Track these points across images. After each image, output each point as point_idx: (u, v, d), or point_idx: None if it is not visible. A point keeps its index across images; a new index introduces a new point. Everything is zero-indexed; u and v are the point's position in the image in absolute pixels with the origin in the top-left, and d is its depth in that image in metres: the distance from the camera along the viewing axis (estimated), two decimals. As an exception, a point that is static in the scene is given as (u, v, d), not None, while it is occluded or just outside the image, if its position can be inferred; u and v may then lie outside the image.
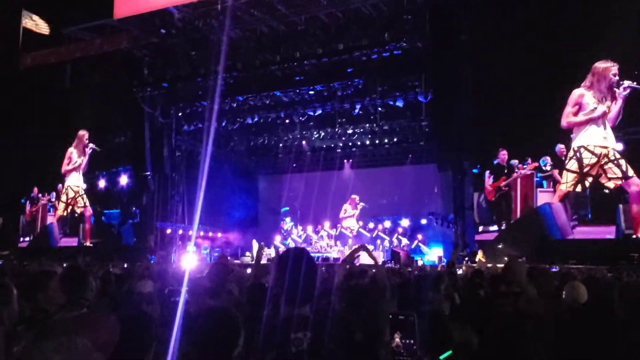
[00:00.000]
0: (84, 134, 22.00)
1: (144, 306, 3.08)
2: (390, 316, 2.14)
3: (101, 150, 21.65)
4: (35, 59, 22.48)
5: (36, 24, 22.67)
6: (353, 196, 20.90)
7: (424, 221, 20.14)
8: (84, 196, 22.30)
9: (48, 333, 1.69)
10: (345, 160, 22.48)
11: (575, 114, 14.35)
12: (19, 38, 22.45)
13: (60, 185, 23.07)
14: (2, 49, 22.79)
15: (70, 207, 22.62)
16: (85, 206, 22.29)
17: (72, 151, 22.42)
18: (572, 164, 14.48)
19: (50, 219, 23.65)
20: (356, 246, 5.15)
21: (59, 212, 23.14)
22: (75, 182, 22.43)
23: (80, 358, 1.62)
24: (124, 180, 22.37)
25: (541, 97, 14.24)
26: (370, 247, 17.95)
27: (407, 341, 2.07)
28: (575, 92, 14.33)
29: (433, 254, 18.40)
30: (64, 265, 9.81)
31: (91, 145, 21.76)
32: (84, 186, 22.45)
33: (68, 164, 22.52)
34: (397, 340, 2.06)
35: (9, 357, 1.87)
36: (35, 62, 22.42)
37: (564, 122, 14.49)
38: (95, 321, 1.77)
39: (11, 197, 23.34)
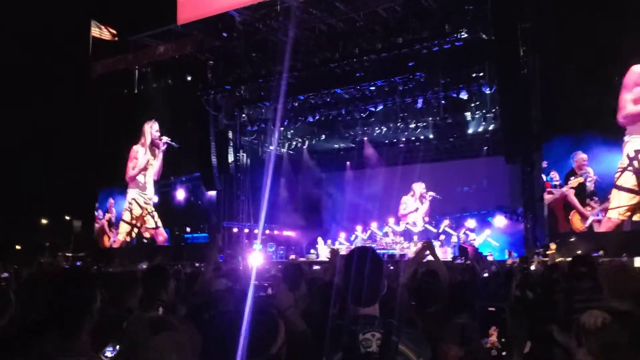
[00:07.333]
0: (151, 125, 19.68)
1: (224, 305, 3.12)
2: (481, 309, 2.02)
3: (179, 147, 19.30)
4: (105, 67, 23.36)
5: (103, 32, 23.42)
6: (415, 185, 20.49)
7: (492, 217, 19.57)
8: (155, 214, 19.19)
9: (159, 328, 1.78)
10: (409, 156, 22.10)
11: (637, 101, 12.15)
12: (89, 48, 23.38)
13: (112, 200, 19.92)
14: (74, 59, 23.84)
15: (136, 229, 18.94)
16: (156, 227, 18.91)
17: (137, 150, 19.98)
18: (627, 179, 12.32)
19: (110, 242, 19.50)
20: (420, 244, 5.03)
21: (121, 237, 19.21)
22: (141, 193, 19.39)
23: (187, 353, 1.70)
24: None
25: (609, 81, 13.52)
26: (437, 244, 17.68)
27: (501, 335, 1.95)
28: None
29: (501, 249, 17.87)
30: (144, 265, 10.14)
31: (165, 139, 19.60)
32: (155, 199, 19.48)
33: (133, 168, 19.92)
34: (493, 334, 1.96)
35: (94, 347, 1.96)
36: (105, 70, 23.30)
37: (622, 113, 12.40)
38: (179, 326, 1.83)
39: (87, 201, 24.17)
